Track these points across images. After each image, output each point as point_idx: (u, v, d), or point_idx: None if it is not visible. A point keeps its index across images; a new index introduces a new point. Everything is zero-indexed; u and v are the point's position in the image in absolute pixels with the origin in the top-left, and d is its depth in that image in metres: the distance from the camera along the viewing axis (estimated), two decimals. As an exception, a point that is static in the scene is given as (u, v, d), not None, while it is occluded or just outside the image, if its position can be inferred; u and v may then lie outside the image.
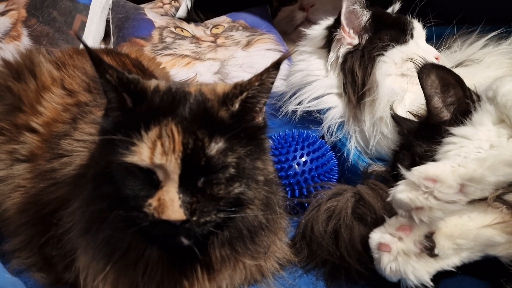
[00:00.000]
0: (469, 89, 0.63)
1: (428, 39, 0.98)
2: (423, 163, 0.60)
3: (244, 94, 0.52)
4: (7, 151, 0.73)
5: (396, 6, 1.01)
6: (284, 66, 1.27)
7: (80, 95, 0.75)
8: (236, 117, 0.52)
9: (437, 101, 0.63)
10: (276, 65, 0.53)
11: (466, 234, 0.51)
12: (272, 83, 0.54)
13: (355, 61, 0.83)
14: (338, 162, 0.83)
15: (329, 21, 0.93)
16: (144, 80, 0.55)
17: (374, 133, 0.81)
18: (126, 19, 1.28)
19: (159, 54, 1.21)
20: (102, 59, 0.52)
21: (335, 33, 0.86)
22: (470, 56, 0.91)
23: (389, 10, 1.00)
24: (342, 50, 0.85)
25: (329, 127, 0.85)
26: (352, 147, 0.83)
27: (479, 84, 0.82)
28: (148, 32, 1.26)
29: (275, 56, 1.29)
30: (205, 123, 0.50)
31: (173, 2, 1.57)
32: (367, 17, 0.84)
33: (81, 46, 1.22)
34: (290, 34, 1.45)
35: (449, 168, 0.50)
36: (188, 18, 1.56)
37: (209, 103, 0.52)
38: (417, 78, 0.83)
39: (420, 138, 0.64)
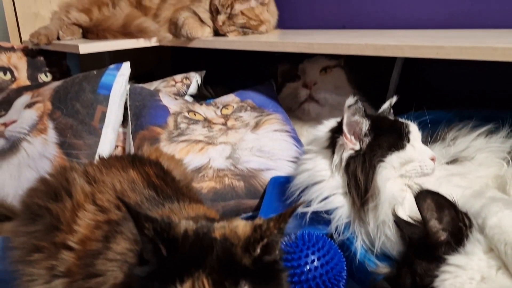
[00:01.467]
0: (461, 212, 0.71)
1: (424, 128, 1.07)
2: (423, 283, 0.67)
3: (265, 240, 0.60)
4: (46, 267, 0.81)
5: (393, 100, 1.10)
6: (291, 147, 1.37)
7: (111, 213, 0.83)
8: (258, 260, 0.60)
9: (433, 223, 0.71)
10: (292, 213, 0.61)
11: None
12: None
13: (357, 166, 0.92)
14: (346, 260, 0.90)
15: (333, 122, 1.02)
16: (175, 223, 0.62)
17: (379, 235, 0.88)
18: (143, 107, 1.38)
19: (175, 141, 1.30)
20: (140, 213, 0.60)
21: (338, 138, 0.95)
22: (463, 152, 0.99)
23: (387, 103, 1.09)
24: (345, 155, 0.94)
25: (337, 227, 0.92)
26: (359, 246, 0.90)
27: (472, 185, 0.90)
28: (164, 120, 1.35)
29: (282, 137, 1.38)
30: (231, 271, 0.58)
31: (184, 80, 1.68)
32: (367, 126, 0.93)
33: (100, 150, 1.31)
34: (295, 111, 1.54)
35: (445, 304, 0.58)
36: (199, 94, 1.67)
37: (233, 249, 0.60)
38: (415, 179, 0.92)
39: (419, 256, 0.71)
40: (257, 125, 1.39)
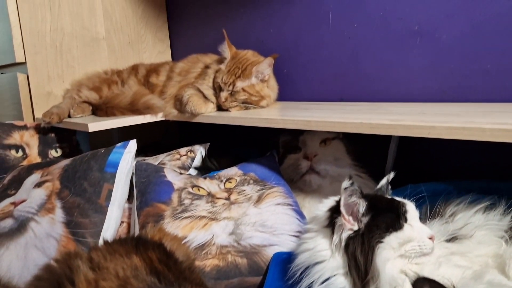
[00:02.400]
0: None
1: (422, 202, 1.09)
2: None
3: None
4: None
5: (391, 176, 1.13)
6: (293, 221, 1.38)
7: (113, 301, 0.85)
8: None
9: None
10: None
11: None
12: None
13: (357, 247, 0.93)
14: None
15: (331, 201, 1.04)
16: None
17: (382, 319, 0.87)
18: (148, 183, 1.42)
19: (178, 218, 1.33)
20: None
21: (337, 219, 0.97)
22: (461, 230, 1.00)
23: (384, 179, 1.12)
24: (344, 235, 0.95)
25: (340, 310, 0.92)
26: (363, 329, 0.89)
27: (472, 264, 0.91)
28: (168, 196, 1.39)
29: (284, 211, 1.39)
30: None
31: (189, 153, 1.73)
32: (364, 206, 0.95)
33: (105, 228, 1.33)
34: (297, 182, 1.57)
35: None
36: (203, 166, 1.72)
37: None
38: (414, 259, 0.92)
39: None
40: (259, 199, 1.41)
